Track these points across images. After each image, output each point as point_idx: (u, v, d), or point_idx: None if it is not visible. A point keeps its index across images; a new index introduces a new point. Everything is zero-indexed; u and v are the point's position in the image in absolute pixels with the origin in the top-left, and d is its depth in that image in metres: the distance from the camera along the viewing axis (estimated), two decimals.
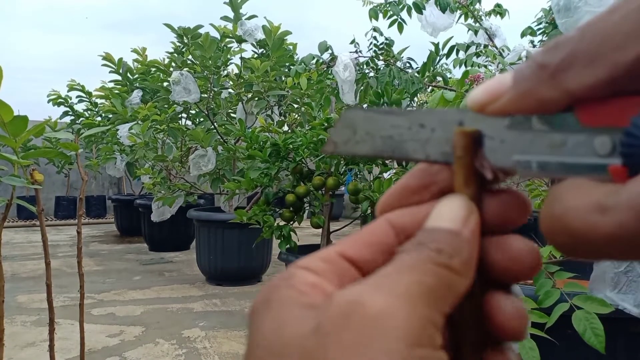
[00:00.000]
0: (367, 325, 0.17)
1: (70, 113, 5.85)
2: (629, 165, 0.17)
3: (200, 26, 3.55)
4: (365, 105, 2.60)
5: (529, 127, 0.20)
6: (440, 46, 2.80)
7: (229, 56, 3.50)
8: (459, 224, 0.20)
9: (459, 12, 2.65)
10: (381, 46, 3.16)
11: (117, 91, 4.67)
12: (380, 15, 2.78)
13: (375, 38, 3.17)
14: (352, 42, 3.13)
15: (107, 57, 4.74)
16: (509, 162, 0.20)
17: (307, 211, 2.39)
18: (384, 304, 0.17)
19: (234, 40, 3.55)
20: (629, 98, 0.18)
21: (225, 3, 3.54)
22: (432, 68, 2.91)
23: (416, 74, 2.78)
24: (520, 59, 1.72)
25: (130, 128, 3.67)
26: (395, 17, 2.70)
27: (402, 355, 0.17)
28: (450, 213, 0.20)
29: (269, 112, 3.61)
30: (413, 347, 0.17)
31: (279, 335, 0.18)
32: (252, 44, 3.62)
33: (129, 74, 4.81)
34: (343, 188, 2.68)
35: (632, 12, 0.17)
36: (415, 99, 3.30)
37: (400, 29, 2.76)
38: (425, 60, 2.88)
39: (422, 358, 0.17)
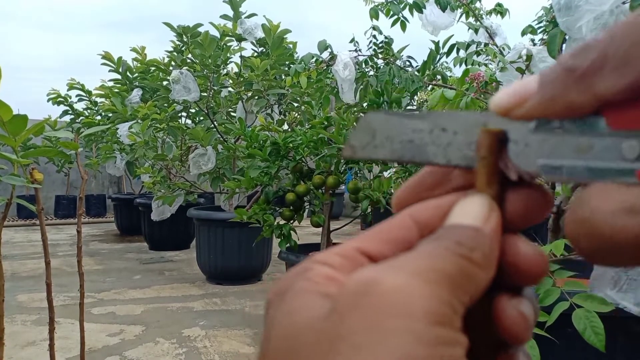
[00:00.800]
0: (383, 303, 0.17)
1: (70, 112, 5.84)
2: None
3: (199, 25, 3.54)
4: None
5: (555, 131, 0.19)
6: (441, 45, 2.80)
7: (228, 55, 3.50)
8: (480, 222, 0.20)
9: (459, 10, 2.64)
10: (381, 45, 3.16)
11: (116, 90, 4.67)
12: (382, 15, 2.78)
13: (374, 37, 3.16)
14: (352, 40, 3.13)
15: (107, 56, 4.74)
16: (534, 167, 0.20)
17: (307, 210, 2.39)
18: (402, 282, 0.17)
19: (233, 38, 3.55)
20: None
21: (224, 2, 3.54)
22: (432, 66, 2.91)
23: (416, 73, 2.78)
24: (520, 57, 1.72)
25: (130, 127, 3.67)
26: (397, 16, 2.70)
27: (421, 333, 0.16)
28: (472, 211, 0.20)
29: (269, 111, 3.61)
30: (432, 326, 0.16)
31: (293, 321, 0.18)
32: (252, 43, 3.61)
33: (128, 73, 4.81)
34: (343, 187, 2.68)
35: None
36: (415, 97, 3.30)
37: (404, 27, 2.76)
38: (425, 58, 2.87)
39: (441, 337, 0.16)
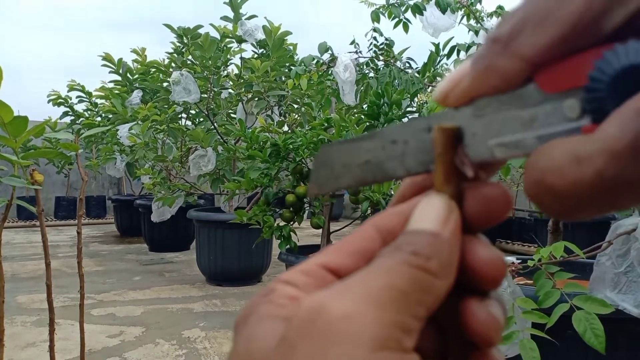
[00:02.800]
0: (329, 330, 0.17)
1: (70, 113, 5.85)
2: (597, 120, 0.17)
3: (200, 26, 3.55)
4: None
5: (495, 110, 0.19)
6: (441, 46, 2.80)
7: (229, 56, 3.50)
8: (438, 225, 0.19)
9: (460, 12, 2.65)
10: (381, 47, 3.16)
11: (117, 91, 4.67)
12: (383, 17, 2.78)
13: (375, 38, 3.17)
14: (352, 42, 3.14)
15: (107, 58, 4.74)
16: (486, 150, 0.20)
17: (307, 211, 2.39)
18: (347, 308, 0.17)
19: (234, 40, 3.55)
20: (584, 54, 0.17)
21: (225, 3, 3.54)
22: (432, 68, 2.91)
23: (416, 74, 2.78)
24: None
25: (130, 128, 3.67)
26: (398, 18, 2.70)
27: (363, 359, 0.16)
28: (430, 214, 0.20)
29: (269, 113, 3.61)
30: (376, 352, 0.16)
31: (250, 350, 0.18)
32: (252, 44, 3.61)
33: (128, 74, 4.81)
34: None
35: None
36: (415, 99, 3.31)
37: (406, 28, 2.77)
38: (425, 60, 2.88)
39: None
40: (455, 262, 0.19)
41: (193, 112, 4.05)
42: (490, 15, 2.83)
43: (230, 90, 3.70)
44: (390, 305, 0.17)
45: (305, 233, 4.00)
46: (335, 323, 0.17)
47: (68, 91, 5.62)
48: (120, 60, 4.80)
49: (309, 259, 0.21)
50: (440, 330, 0.20)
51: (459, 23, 2.67)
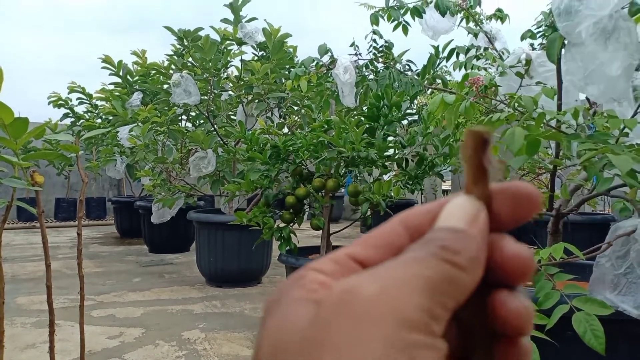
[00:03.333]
0: (361, 310, 0.17)
1: (71, 115, 5.85)
2: None
3: (200, 28, 3.55)
4: (365, 108, 2.60)
5: None
6: (440, 49, 2.80)
7: (229, 58, 3.51)
8: (466, 223, 0.20)
9: (459, 15, 2.65)
10: (381, 49, 3.17)
11: (117, 93, 4.68)
12: (383, 20, 2.78)
13: (375, 41, 3.17)
14: (352, 44, 3.14)
15: (107, 60, 4.75)
16: None
17: (307, 213, 2.39)
18: (380, 290, 0.18)
19: (234, 42, 3.55)
20: None
21: (225, 6, 3.55)
22: (432, 71, 2.91)
23: (416, 77, 2.78)
24: (519, 61, 1.73)
25: (131, 130, 3.67)
26: (398, 21, 2.70)
27: (394, 338, 0.17)
28: (458, 212, 0.21)
29: (269, 114, 3.61)
30: (406, 331, 0.17)
31: (282, 329, 0.19)
32: (253, 47, 3.62)
33: (128, 76, 4.81)
34: (343, 190, 2.68)
35: None
36: (415, 101, 3.31)
37: (405, 31, 2.77)
38: (425, 63, 2.88)
39: (415, 342, 0.17)
40: (482, 258, 0.20)
41: (193, 114, 4.05)
42: (490, 18, 2.83)
43: (230, 92, 3.71)
44: (419, 291, 0.18)
45: (305, 234, 4.01)
46: (367, 303, 0.17)
47: (68, 93, 5.63)
48: (120, 62, 4.80)
49: (338, 249, 0.22)
50: (462, 328, 0.21)
51: (458, 26, 2.67)
